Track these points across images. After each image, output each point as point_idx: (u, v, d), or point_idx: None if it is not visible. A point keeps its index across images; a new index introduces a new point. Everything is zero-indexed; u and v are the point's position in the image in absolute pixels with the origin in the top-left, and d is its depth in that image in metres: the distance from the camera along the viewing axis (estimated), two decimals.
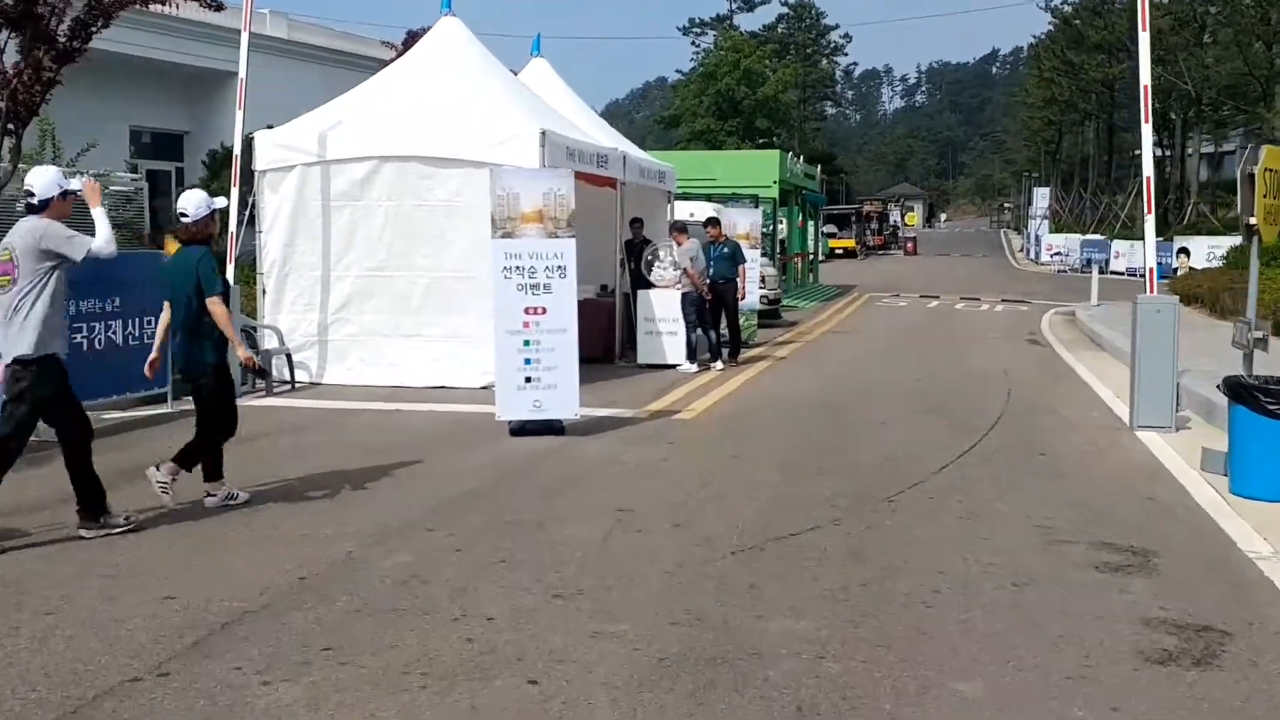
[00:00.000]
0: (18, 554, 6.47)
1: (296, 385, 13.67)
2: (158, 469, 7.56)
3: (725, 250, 15.88)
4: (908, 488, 8.27)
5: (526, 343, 10.21)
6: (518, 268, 10.18)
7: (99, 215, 6.91)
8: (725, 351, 15.81)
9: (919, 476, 8.64)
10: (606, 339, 15.84)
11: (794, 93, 67.99)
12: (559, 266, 10.21)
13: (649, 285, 16.02)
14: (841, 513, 7.52)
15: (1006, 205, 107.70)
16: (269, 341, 13.97)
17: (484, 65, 14.77)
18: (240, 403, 12.56)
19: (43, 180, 6.79)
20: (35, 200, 6.71)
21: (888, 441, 10.30)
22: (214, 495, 7.71)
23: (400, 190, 13.66)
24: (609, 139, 16.99)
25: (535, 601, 5.72)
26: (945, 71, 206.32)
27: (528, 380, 10.20)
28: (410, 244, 13.69)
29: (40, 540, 6.76)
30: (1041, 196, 66.71)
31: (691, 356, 15.39)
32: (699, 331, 15.51)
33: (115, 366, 11.11)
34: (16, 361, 6.57)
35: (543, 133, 13.07)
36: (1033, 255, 61.34)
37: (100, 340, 11.01)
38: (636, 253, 17.02)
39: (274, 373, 13.63)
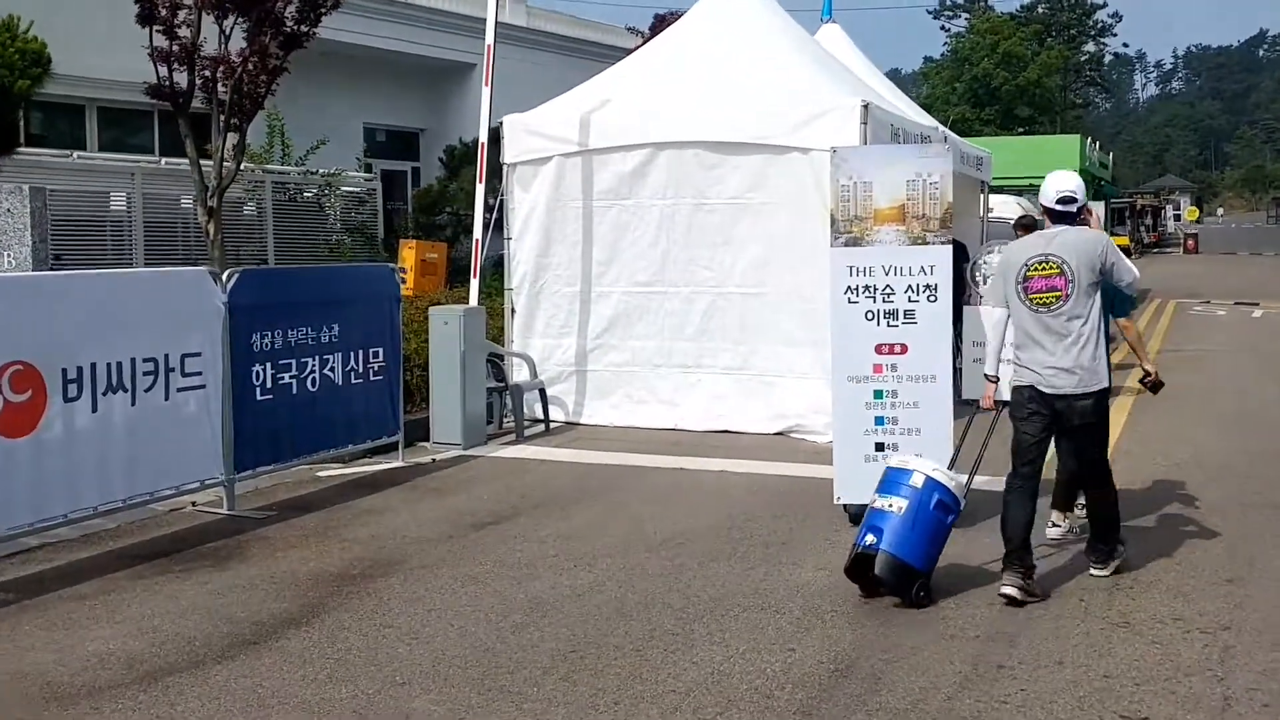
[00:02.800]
0: None
1: (551, 427, 11.13)
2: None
3: None
4: None
5: (879, 394, 7.23)
6: (867, 287, 7.22)
7: None
8: None
9: None
10: None
11: (1057, 77, 62.53)
12: (928, 286, 7.19)
13: (970, 300, 12.76)
14: None
15: None
16: (519, 373, 11.49)
17: (776, 28, 11.84)
18: (481, 451, 10.25)
19: (1077, 182, 6.27)
20: (1075, 206, 6.18)
21: None
22: (1059, 526, 7.07)
23: (679, 185, 10.92)
24: (922, 117, 13.83)
25: None
26: (1205, 56, 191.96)
27: (879, 449, 7.23)
28: (691, 252, 10.95)
29: None
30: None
31: None
32: None
33: (333, 412, 8.79)
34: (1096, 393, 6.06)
35: (864, 106, 10.06)
36: None
37: (314, 380, 8.64)
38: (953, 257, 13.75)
39: (524, 410, 11.15)
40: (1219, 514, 7.62)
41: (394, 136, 27.15)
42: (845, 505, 7.35)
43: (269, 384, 8.15)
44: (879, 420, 7.24)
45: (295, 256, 17.52)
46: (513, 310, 11.63)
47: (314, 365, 8.59)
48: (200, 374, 7.54)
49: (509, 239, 11.65)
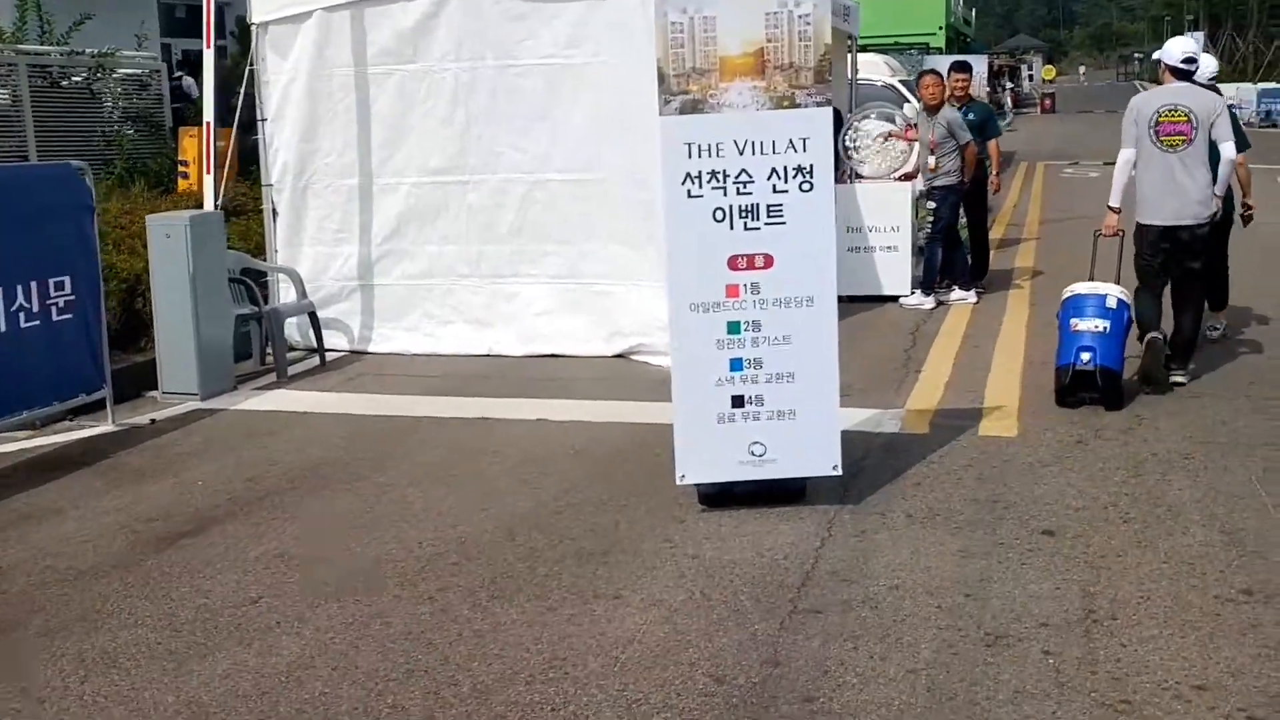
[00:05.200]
0: None
1: (327, 360, 8.75)
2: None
3: (970, 117, 10.41)
4: None
5: (734, 327, 5.07)
6: (713, 174, 4.98)
7: None
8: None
9: None
10: None
11: None
12: (800, 169, 4.99)
13: (841, 176, 10.74)
14: None
15: (1137, 55, 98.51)
16: (286, 293, 9.03)
17: None
18: (225, 402, 7.83)
19: (1196, 46, 7.32)
20: (1194, 67, 7.02)
21: None
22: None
23: (478, 42, 8.45)
24: None
25: None
26: None
27: (738, 404, 5.10)
28: (497, 130, 8.55)
29: None
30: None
31: (930, 284, 10.08)
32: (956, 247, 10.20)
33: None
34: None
35: None
36: None
37: None
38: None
39: (292, 341, 8.78)
40: None
41: (195, 12, 23.57)
42: (698, 486, 5.24)
43: None
44: (736, 364, 5.09)
45: (63, 151, 14.83)
46: (274, 212, 9.11)
47: None
48: None
49: (263, 120, 9.06)
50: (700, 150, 4.96)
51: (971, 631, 3.94)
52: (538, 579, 4.52)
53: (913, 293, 10.12)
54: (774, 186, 4.99)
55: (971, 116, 10.39)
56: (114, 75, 15.78)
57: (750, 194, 4.99)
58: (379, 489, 5.75)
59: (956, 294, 10.10)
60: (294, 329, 9.09)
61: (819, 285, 5.06)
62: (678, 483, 5.13)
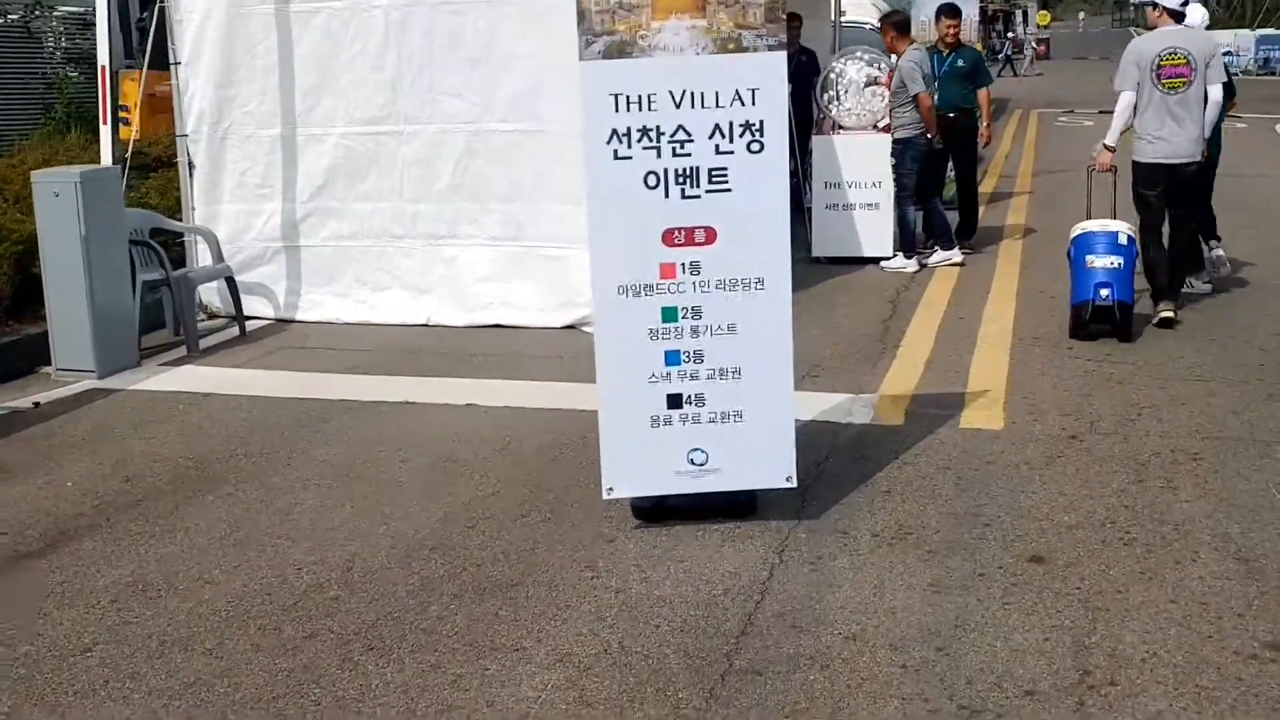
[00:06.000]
0: None
1: (248, 330, 7.97)
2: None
3: (960, 64, 9.58)
4: None
5: (670, 314, 4.30)
6: (645, 131, 4.18)
7: None
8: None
9: None
10: None
11: None
12: (748, 126, 4.19)
13: (822, 127, 9.89)
14: None
15: (1132, 1, 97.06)
16: (204, 257, 8.22)
17: None
18: (125, 381, 7.05)
19: None
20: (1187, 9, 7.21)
21: None
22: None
23: None
24: None
25: None
26: None
27: (674, 405, 4.34)
28: (433, 75, 7.72)
29: None
30: None
31: (909, 245, 9.29)
32: (931, 204, 9.36)
33: None
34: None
35: None
36: None
37: None
38: (799, 76, 10.76)
39: (201, 309, 8.03)
40: None
41: None
42: (633, 501, 4.49)
43: None
44: (672, 357, 4.32)
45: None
46: (190, 165, 8.27)
47: None
48: None
49: (175, 64, 8.20)
50: (629, 103, 4.16)
51: (942, 704, 3.22)
52: (428, 621, 3.78)
53: (894, 255, 9.33)
54: (717, 147, 4.19)
55: (961, 63, 9.57)
56: (54, 13, 14.91)
57: (689, 155, 4.19)
58: (268, 494, 4.99)
59: (938, 255, 9.32)
60: (215, 295, 8.30)
61: (770, 264, 4.29)
62: (604, 497, 4.38)
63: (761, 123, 4.19)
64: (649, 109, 4.17)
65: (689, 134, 4.18)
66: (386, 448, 5.54)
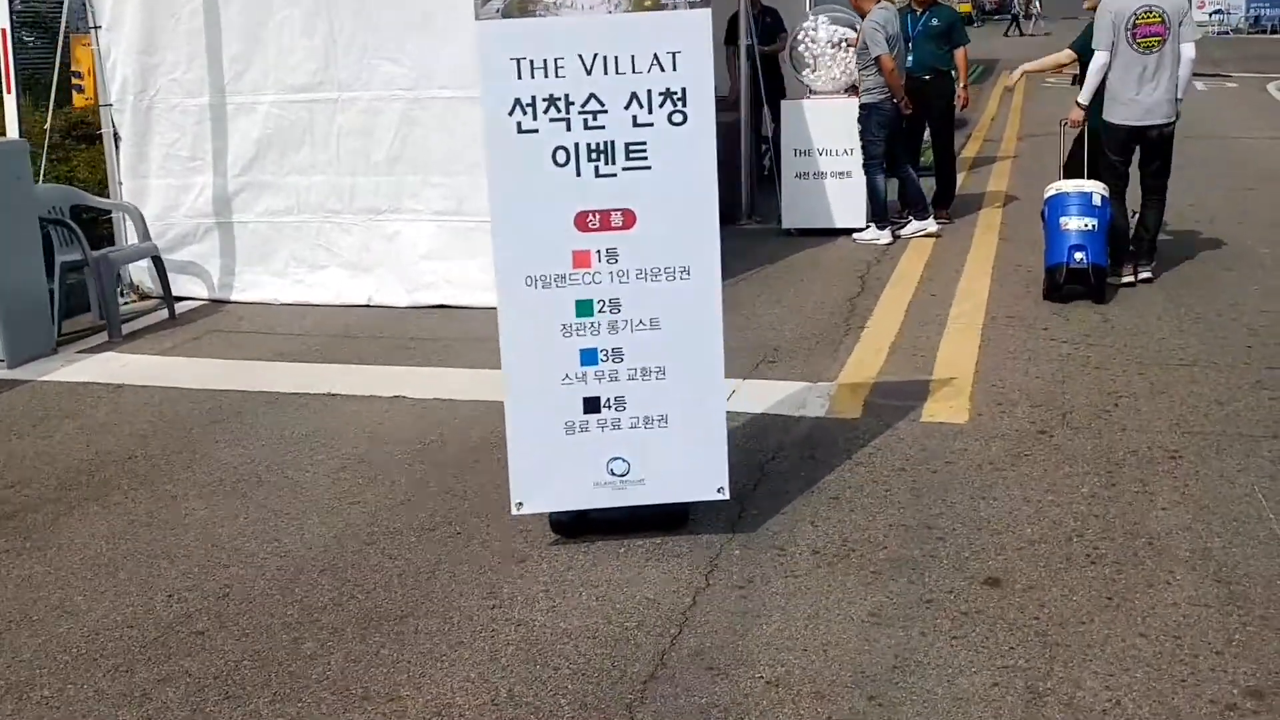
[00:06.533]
0: None
1: (178, 312, 7.51)
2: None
3: (934, 23, 9.05)
4: None
5: (585, 308, 3.83)
6: (552, 101, 3.70)
7: None
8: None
9: None
10: (722, 188, 9.12)
11: None
12: (669, 94, 3.71)
13: (787, 92, 9.35)
14: None
15: None
16: (130, 235, 7.74)
17: None
18: (36, 371, 6.59)
19: None
20: None
21: None
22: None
23: None
24: None
25: None
26: None
27: (591, 409, 3.88)
28: (369, 38, 7.22)
29: None
30: None
31: (880, 215, 8.80)
32: (904, 172, 8.87)
33: None
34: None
35: None
36: None
37: None
38: (766, 36, 10.25)
39: (133, 290, 7.55)
40: None
41: None
42: (551, 515, 4.05)
43: None
44: (588, 356, 3.86)
45: None
46: (116, 137, 7.77)
47: None
48: None
49: (96, 28, 7.68)
50: (533, 68, 3.68)
51: None
52: (298, 664, 3.34)
53: (866, 226, 8.85)
54: (635, 118, 3.71)
55: (935, 22, 9.03)
56: None
57: (603, 128, 3.72)
58: (158, 503, 4.55)
59: (913, 225, 8.84)
60: (147, 275, 7.83)
61: (698, 250, 3.82)
62: (514, 512, 3.94)
63: (684, 90, 3.71)
64: (556, 75, 3.69)
65: (602, 104, 3.70)
66: (298, 448, 5.09)
